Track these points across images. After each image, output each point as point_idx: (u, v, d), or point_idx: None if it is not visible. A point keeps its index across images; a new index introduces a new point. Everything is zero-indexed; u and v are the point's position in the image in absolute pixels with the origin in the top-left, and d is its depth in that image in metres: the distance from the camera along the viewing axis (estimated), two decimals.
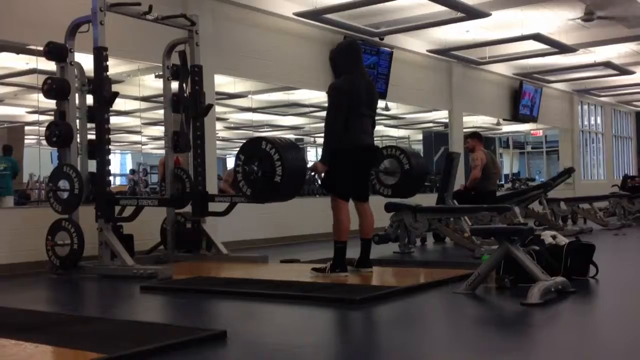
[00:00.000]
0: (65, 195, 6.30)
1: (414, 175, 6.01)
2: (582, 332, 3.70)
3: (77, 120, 6.59)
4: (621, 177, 18.73)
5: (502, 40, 12.19)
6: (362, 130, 5.51)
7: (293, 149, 4.94)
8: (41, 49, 6.51)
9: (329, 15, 10.00)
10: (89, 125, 6.64)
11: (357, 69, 5.53)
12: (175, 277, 5.73)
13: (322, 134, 5.45)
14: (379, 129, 18.21)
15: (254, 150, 4.92)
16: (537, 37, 11.75)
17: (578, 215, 11.55)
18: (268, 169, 4.81)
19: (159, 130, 10.38)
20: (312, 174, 5.27)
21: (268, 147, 4.83)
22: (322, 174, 5.41)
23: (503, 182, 18.16)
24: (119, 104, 8.35)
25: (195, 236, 7.16)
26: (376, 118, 5.78)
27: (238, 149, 5.32)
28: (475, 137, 9.15)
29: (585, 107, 19.78)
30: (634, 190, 14.00)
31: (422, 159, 6.24)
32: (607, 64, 14.62)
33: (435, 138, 17.97)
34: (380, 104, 13.24)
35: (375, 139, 5.76)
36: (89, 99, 6.60)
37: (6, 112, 13.61)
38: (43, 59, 6.63)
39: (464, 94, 13.99)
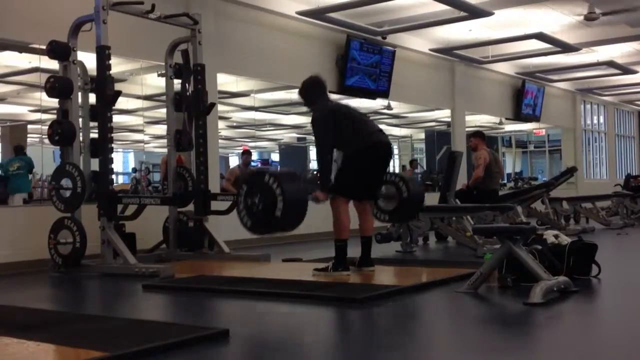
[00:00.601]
0: (67, 193, 6.30)
1: (411, 202, 6.11)
2: (584, 332, 3.70)
3: (80, 119, 6.59)
4: (624, 177, 18.70)
5: (505, 39, 12.18)
6: (372, 129, 5.60)
7: (295, 182, 4.95)
8: (44, 47, 6.52)
9: (331, 14, 10.00)
10: (92, 123, 6.64)
11: (326, 96, 5.69)
12: (178, 276, 5.74)
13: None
14: (381, 127, 18.21)
15: (256, 182, 4.93)
16: (540, 36, 11.73)
17: (580, 214, 11.53)
18: (269, 202, 4.82)
19: (161, 129, 10.38)
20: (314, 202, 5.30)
21: (271, 181, 4.84)
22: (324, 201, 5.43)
23: (505, 181, 18.14)
24: (121, 103, 8.33)
25: (198, 235, 7.16)
26: (378, 117, 5.84)
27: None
28: (478, 136, 9.14)
29: (588, 106, 19.76)
30: (637, 189, 13.98)
31: (420, 186, 6.38)
32: (610, 64, 14.59)
33: (438, 137, 17.95)
34: (383, 102, 13.24)
35: None
36: (92, 98, 6.61)
37: (9, 111, 13.61)
38: (46, 57, 6.63)
39: (466, 93, 13.98)
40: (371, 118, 7.95)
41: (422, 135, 20.08)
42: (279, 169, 20.82)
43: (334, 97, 12.50)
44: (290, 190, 4.85)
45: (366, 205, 5.67)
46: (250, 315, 4.33)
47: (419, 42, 12.32)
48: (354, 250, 5.60)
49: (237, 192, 5.19)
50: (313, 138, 5.56)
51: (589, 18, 11.04)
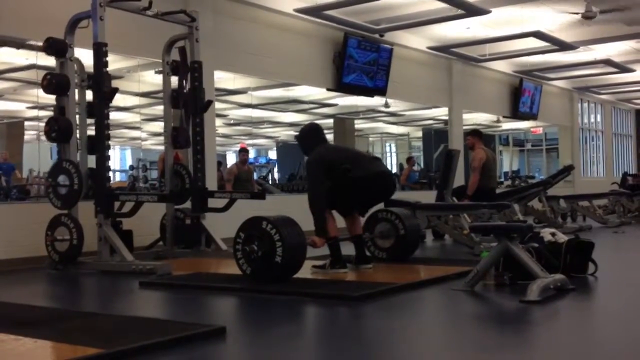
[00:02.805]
0: (64, 190, 6.30)
1: (408, 240, 6.14)
2: (580, 330, 3.71)
3: (77, 116, 6.59)
4: (621, 175, 18.73)
5: (502, 37, 12.18)
6: (370, 159, 5.80)
7: (292, 227, 4.97)
8: (41, 44, 6.51)
9: (329, 12, 9.99)
10: (89, 120, 6.63)
11: (321, 143, 5.71)
12: (175, 273, 5.73)
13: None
14: (379, 125, 18.23)
15: (254, 229, 4.95)
16: (537, 35, 11.74)
17: (577, 212, 11.55)
18: (268, 250, 4.84)
19: (158, 126, 10.36)
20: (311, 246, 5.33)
21: (269, 227, 4.86)
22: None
23: (502, 180, 18.16)
24: (118, 100, 8.34)
25: (195, 232, 7.17)
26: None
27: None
28: (475, 135, 9.12)
29: (585, 104, 19.77)
30: (634, 188, 14.01)
31: (416, 223, 6.40)
32: (607, 62, 14.61)
33: (435, 135, 17.97)
34: (380, 101, 13.24)
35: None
36: (89, 95, 6.59)
37: (6, 108, 13.58)
38: (43, 54, 6.63)
39: (463, 91, 13.98)
40: (369, 116, 7.96)
41: (420, 134, 20.10)
42: (276, 166, 20.83)
43: (331, 94, 12.59)
44: (288, 234, 4.87)
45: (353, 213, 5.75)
46: (247, 313, 4.33)
47: (416, 40, 12.31)
48: (348, 249, 5.61)
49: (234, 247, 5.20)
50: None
51: (586, 16, 11.04)
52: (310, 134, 5.81)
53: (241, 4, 9.25)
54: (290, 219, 5.06)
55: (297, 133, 5.94)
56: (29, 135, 12.54)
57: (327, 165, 5.44)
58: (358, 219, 5.78)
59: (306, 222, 5.29)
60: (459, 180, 9.82)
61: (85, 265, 6.25)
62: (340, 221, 5.62)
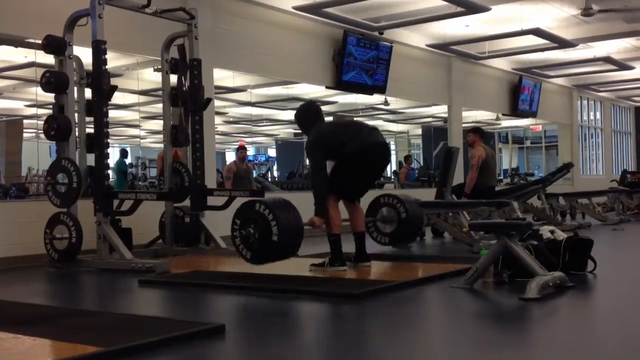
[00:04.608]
0: (63, 188, 6.30)
1: (410, 224, 6.11)
2: (579, 327, 3.71)
3: (76, 114, 6.58)
4: (620, 173, 18.73)
5: (502, 35, 12.17)
6: (367, 129, 5.64)
7: (286, 207, 5.01)
8: (40, 42, 6.49)
9: (328, 9, 9.98)
10: (88, 118, 6.62)
11: (319, 122, 5.70)
12: (174, 271, 5.74)
13: None
14: (378, 123, 18.21)
15: (248, 213, 4.99)
16: (537, 32, 11.73)
17: (577, 210, 11.56)
18: (264, 229, 4.88)
19: (157, 124, 10.36)
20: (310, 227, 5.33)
21: (261, 208, 4.91)
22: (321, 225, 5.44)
23: (502, 177, 18.16)
24: (117, 98, 8.33)
25: (194, 230, 7.16)
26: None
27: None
28: (476, 132, 9.10)
29: (585, 102, 19.77)
30: (633, 185, 14.01)
31: (418, 207, 6.38)
32: (607, 59, 14.60)
33: (435, 133, 17.96)
34: (380, 98, 13.23)
35: None
36: (88, 93, 6.59)
37: (5, 106, 13.59)
38: (42, 52, 6.61)
39: (463, 89, 13.98)
40: (368, 114, 7.95)
41: (419, 131, 20.10)
42: (275, 164, 20.83)
43: (331, 92, 12.59)
44: (282, 214, 4.91)
45: (357, 203, 5.71)
46: (246, 311, 4.33)
47: (415, 38, 12.31)
48: (347, 247, 5.61)
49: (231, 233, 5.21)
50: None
51: (586, 14, 11.03)
52: (307, 112, 5.79)
53: (240, 1, 9.24)
54: (283, 200, 5.11)
55: (295, 111, 5.88)
56: (28, 133, 12.53)
57: (327, 143, 5.44)
58: (361, 214, 5.74)
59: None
60: (458, 178, 9.83)
61: (84, 264, 6.25)
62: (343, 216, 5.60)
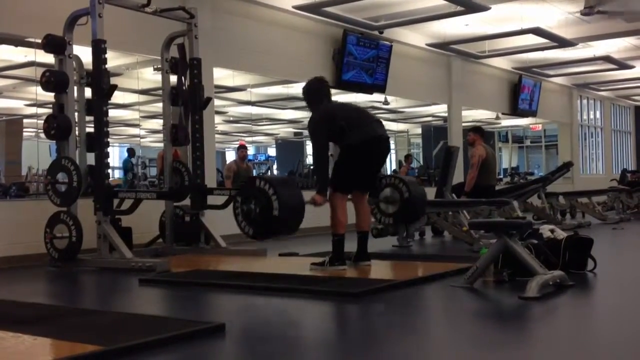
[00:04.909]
0: (63, 188, 6.30)
1: (413, 204, 6.11)
2: (579, 326, 3.71)
3: (76, 113, 6.58)
4: (620, 172, 18.73)
5: (502, 34, 12.17)
6: (370, 120, 5.60)
7: (286, 182, 5.06)
8: (40, 41, 6.49)
9: (328, 9, 9.98)
10: (88, 118, 6.62)
11: (327, 100, 5.67)
12: (174, 270, 5.74)
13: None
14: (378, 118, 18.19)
15: (249, 190, 5.02)
16: (537, 31, 11.72)
17: (577, 209, 11.55)
18: (265, 204, 4.90)
19: (157, 124, 10.36)
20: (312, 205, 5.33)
21: (262, 184, 4.94)
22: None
23: (502, 176, 18.16)
24: (117, 97, 8.31)
25: (194, 229, 7.16)
26: (375, 112, 5.84)
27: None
28: (477, 132, 9.10)
29: (585, 101, 19.76)
30: (633, 184, 14.01)
31: (421, 187, 6.38)
32: (607, 59, 14.60)
33: (434, 132, 17.97)
34: (380, 97, 13.22)
35: None
36: (88, 92, 6.58)
37: (5, 105, 13.59)
38: (41, 51, 6.61)
39: (463, 88, 13.98)
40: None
41: (419, 130, 20.11)
42: (275, 163, 20.82)
43: (331, 91, 12.54)
44: (283, 190, 4.94)
45: (364, 198, 5.68)
46: (246, 310, 4.33)
47: (415, 37, 12.31)
48: (350, 245, 5.61)
49: (234, 211, 5.22)
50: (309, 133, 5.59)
51: (586, 13, 11.03)
52: (312, 89, 5.73)
53: (240, 0, 9.24)
54: (284, 177, 5.15)
55: (304, 85, 5.79)
56: (27, 132, 12.53)
57: (328, 125, 5.41)
58: (368, 214, 5.72)
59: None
60: (458, 177, 9.82)
61: (84, 263, 6.25)
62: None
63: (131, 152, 14.09)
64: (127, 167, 13.64)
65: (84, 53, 6.58)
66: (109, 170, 6.51)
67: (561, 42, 12.52)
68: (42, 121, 6.57)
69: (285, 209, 4.93)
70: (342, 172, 5.46)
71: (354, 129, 5.42)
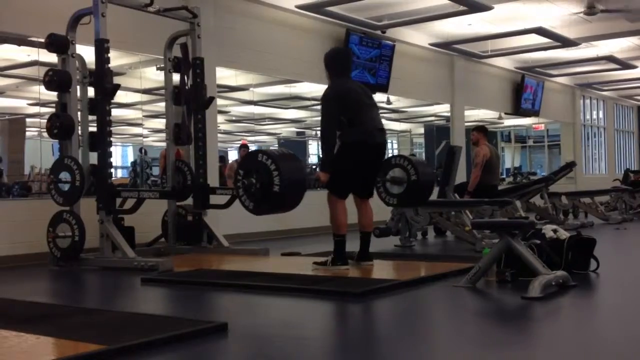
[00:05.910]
0: (66, 187, 6.30)
1: (420, 186, 6.06)
2: (582, 326, 3.71)
3: (79, 113, 6.59)
4: (623, 172, 18.70)
5: (504, 33, 12.16)
6: (374, 125, 5.54)
7: (289, 158, 5.00)
8: (42, 40, 6.50)
9: (331, 8, 9.98)
10: (90, 117, 6.64)
11: (347, 73, 5.63)
12: (176, 270, 5.74)
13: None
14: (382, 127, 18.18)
15: (251, 164, 5.00)
16: (540, 31, 11.71)
17: (579, 209, 11.55)
18: (266, 180, 4.88)
19: (160, 123, 10.37)
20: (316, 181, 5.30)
21: (264, 158, 4.91)
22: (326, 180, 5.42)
23: (504, 176, 18.14)
24: (120, 97, 8.34)
25: (197, 229, 7.16)
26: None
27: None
28: (480, 131, 9.08)
29: (587, 101, 19.74)
30: (636, 184, 13.99)
31: (429, 168, 6.29)
32: (610, 58, 14.57)
33: (437, 132, 17.94)
34: (382, 97, 13.21)
35: None
36: (91, 91, 6.60)
37: (7, 104, 13.59)
38: (44, 50, 6.61)
39: (465, 88, 13.97)
40: None
41: (422, 130, 20.08)
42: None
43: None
44: (284, 165, 4.92)
45: (366, 202, 5.66)
46: (248, 309, 4.33)
47: (418, 37, 12.30)
48: (353, 245, 5.61)
49: (234, 184, 5.21)
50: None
51: (589, 13, 11.02)
52: (335, 58, 5.65)
53: (243, 0, 9.24)
54: (288, 152, 5.11)
55: (326, 52, 5.71)
56: (30, 131, 12.54)
57: (341, 105, 5.37)
58: (370, 215, 5.68)
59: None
60: (461, 176, 9.81)
61: (87, 262, 6.26)
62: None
63: (142, 151, 14.07)
64: (142, 167, 13.55)
65: (87, 52, 6.59)
66: (112, 170, 6.51)
67: (564, 42, 12.51)
68: (45, 120, 6.58)
69: (285, 185, 4.90)
70: (337, 176, 5.40)
71: (354, 127, 5.41)
